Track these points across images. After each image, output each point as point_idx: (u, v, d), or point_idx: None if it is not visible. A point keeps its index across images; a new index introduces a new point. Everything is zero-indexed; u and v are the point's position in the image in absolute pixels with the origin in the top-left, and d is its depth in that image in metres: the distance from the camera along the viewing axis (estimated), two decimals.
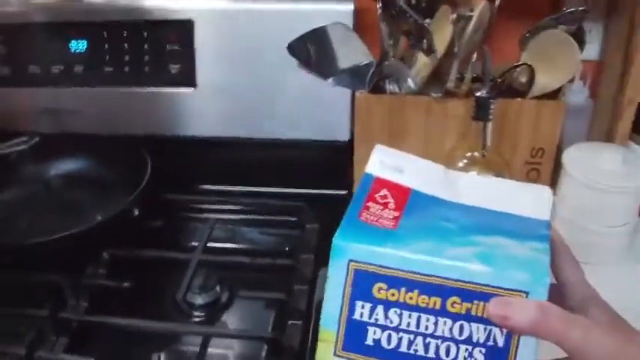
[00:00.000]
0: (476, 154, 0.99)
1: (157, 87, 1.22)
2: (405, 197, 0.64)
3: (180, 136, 1.26)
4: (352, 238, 0.59)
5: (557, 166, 1.13)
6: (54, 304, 1.01)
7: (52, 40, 1.22)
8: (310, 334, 0.95)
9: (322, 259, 1.04)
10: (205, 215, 1.21)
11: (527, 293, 0.56)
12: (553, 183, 1.15)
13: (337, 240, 0.59)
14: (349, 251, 0.58)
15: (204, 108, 1.22)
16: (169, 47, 1.19)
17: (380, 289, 0.58)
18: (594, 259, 1.10)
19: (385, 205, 0.63)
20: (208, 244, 1.11)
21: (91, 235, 1.05)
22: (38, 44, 1.23)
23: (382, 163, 0.67)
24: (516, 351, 0.56)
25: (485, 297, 0.56)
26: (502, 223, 0.62)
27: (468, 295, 0.56)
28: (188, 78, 1.20)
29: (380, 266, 0.58)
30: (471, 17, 1.07)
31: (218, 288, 1.05)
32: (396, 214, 0.62)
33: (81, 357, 0.94)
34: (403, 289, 0.58)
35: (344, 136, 1.19)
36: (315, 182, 1.22)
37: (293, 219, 1.19)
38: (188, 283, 1.03)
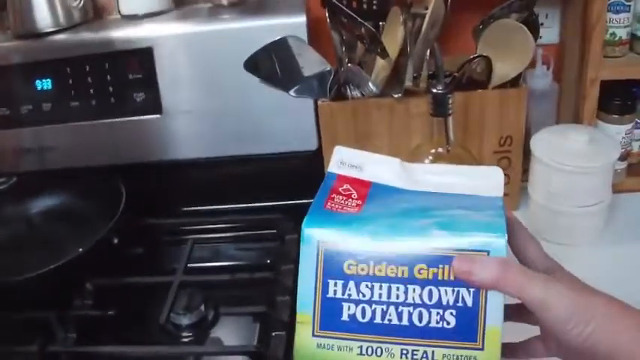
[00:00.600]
0: (440, 149, 0.99)
1: (124, 117, 1.23)
2: (366, 189, 0.67)
3: (152, 162, 1.27)
4: (319, 223, 0.62)
5: (527, 152, 1.14)
6: (43, 339, 1.02)
7: (18, 81, 1.24)
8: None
9: None
10: (185, 237, 1.21)
11: (488, 252, 0.59)
12: (525, 169, 1.17)
13: (305, 226, 0.62)
14: (318, 235, 0.61)
15: (172, 132, 1.23)
16: (132, 76, 1.20)
17: (350, 265, 0.61)
18: (570, 240, 1.12)
19: (348, 195, 0.66)
20: (190, 265, 1.12)
21: (73, 267, 1.07)
22: (5, 86, 1.24)
23: (342, 162, 0.70)
24: (485, 309, 0.58)
25: (450, 261, 0.59)
26: (458, 202, 0.65)
27: (433, 260, 0.59)
28: (153, 105, 1.21)
29: (348, 244, 0.61)
30: (424, 15, 1.08)
31: (203, 307, 1.06)
32: (359, 202, 0.65)
33: None
34: (372, 263, 0.60)
35: (312, 145, 1.19)
36: (289, 193, 1.22)
37: (272, 231, 1.20)
38: (171, 305, 1.04)
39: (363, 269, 0.61)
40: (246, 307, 1.06)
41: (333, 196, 0.66)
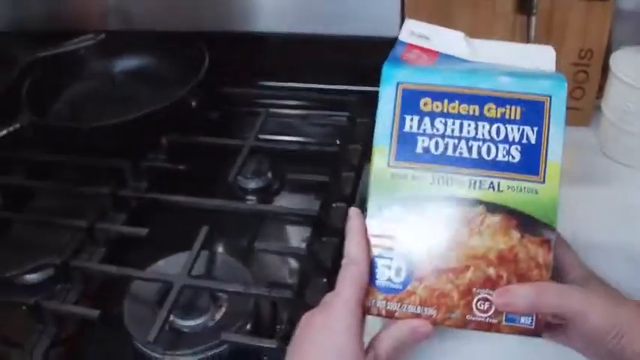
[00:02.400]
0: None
1: None
2: (433, 57, 0.72)
3: (235, 32, 1.30)
4: (400, 67, 0.69)
5: (605, 70, 1.15)
6: (115, 184, 1.09)
7: None
8: None
9: (369, 150, 1.11)
10: (258, 109, 1.24)
11: (549, 97, 0.65)
12: (601, 86, 1.17)
13: (386, 66, 0.69)
14: (397, 75, 0.68)
15: (261, 4, 1.26)
16: None
17: (425, 103, 0.67)
18: (636, 162, 1.12)
19: (419, 58, 0.72)
20: (262, 136, 1.16)
21: (150, 121, 1.12)
22: None
23: (412, 32, 0.75)
24: (547, 146, 0.65)
25: (516, 102, 0.66)
26: (519, 68, 0.70)
27: (501, 101, 0.66)
28: None
29: (424, 84, 0.68)
30: None
31: (269, 174, 1.11)
32: (431, 61, 0.71)
33: (137, 228, 1.01)
34: (446, 101, 0.67)
35: (394, 32, 1.20)
36: (364, 78, 1.24)
37: (344, 113, 1.24)
38: (239, 168, 1.08)
39: (437, 106, 0.67)
40: (311, 175, 1.10)
41: (406, 54, 0.72)
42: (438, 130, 0.67)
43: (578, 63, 1.15)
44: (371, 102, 1.11)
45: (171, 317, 0.86)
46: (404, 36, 0.75)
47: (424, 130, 0.67)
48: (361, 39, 1.24)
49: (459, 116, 0.67)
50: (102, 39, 1.30)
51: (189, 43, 1.26)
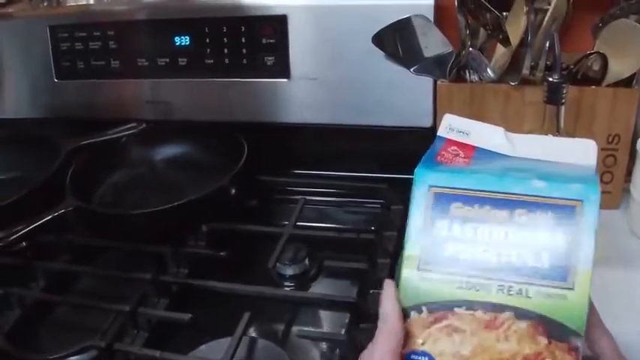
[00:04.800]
0: (550, 135, 1.04)
1: (254, 78, 1.30)
2: (471, 152, 0.74)
3: (275, 123, 1.33)
4: (432, 169, 0.70)
5: (633, 153, 1.17)
6: (156, 269, 1.12)
7: (158, 36, 1.33)
8: None
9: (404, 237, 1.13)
10: (295, 197, 1.28)
11: (581, 201, 0.65)
12: (629, 170, 1.20)
13: (419, 169, 0.70)
14: (429, 178, 0.69)
15: (297, 97, 1.30)
16: (265, 41, 1.27)
17: (457, 207, 0.68)
18: None
19: (456, 155, 0.73)
20: (298, 223, 1.19)
21: (191, 208, 1.15)
22: (145, 40, 1.35)
23: (451, 127, 0.77)
24: (577, 253, 0.64)
25: (548, 207, 0.65)
26: (556, 166, 0.71)
27: (532, 206, 0.66)
28: (282, 69, 1.28)
29: (456, 188, 0.68)
30: (547, 10, 1.13)
31: (307, 261, 1.13)
32: (466, 160, 0.73)
33: (179, 313, 1.04)
34: (477, 205, 0.67)
35: (427, 123, 1.24)
36: (399, 167, 1.27)
37: (379, 201, 1.26)
38: (278, 255, 1.10)
39: (468, 211, 0.67)
40: (348, 263, 1.11)
41: (442, 152, 0.73)
42: (467, 235, 0.67)
43: (606, 148, 1.17)
44: (404, 189, 1.15)
45: None
46: (442, 131, 0.77)
47: (454, 234, 0.68)
48: (395, 129, 1.27)
49: (489, 221, 0.67)
50: (143, 128, 1.36)
51: (229, 133, 1.30)
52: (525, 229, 0.66)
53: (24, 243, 1.19)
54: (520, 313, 0.65)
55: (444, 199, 0.68)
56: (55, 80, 1.44)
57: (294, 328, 1.03)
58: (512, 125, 1.13)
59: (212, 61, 1.31)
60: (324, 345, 1.00)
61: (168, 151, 1.40)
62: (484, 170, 0.70)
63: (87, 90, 1.44)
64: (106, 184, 1.34)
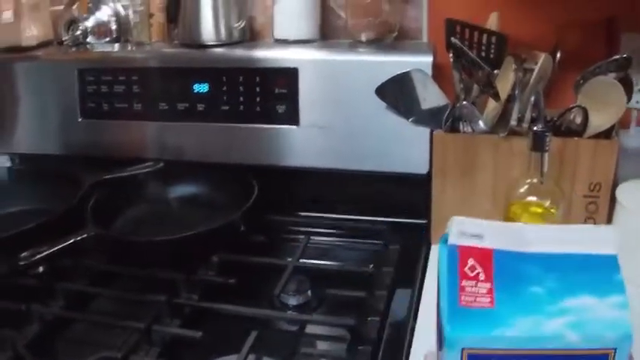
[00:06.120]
0: (534, 180, 1.11)
1: (266, 124, 1.40)
2: (489, 261, 0.75)
3: (283, 167, 1.42)
4: (461, 329, 0.70)
5: (613, 199, 1.23)
6: (170, 294, 1.19)
7: (179, 83, 1.44)
8: (385, 330, 1.09)
9: (401, 272, 1.23)
10: (300, 236, 1.36)
11: (615, 349, 0.69)
12: (610, 215, 1.27)
13: (450, 333, 0.70)
14: (462, 341, 0.70)
15: (305, 143, 1.39)
16: (277, 91, 1.37)
17: None
18: None
19: (476, 277, 0.74)
20: (302, 260, 1.27)
21: (204, 239, 1.24)
22: (166, 85, 1.45)
23: (462, 232, 0.77)
24: None
25: (581, 358, 0.69)
26: (579, 270, 0.73)
27: (564, 358, 0.69)
28: (292, 117, 1.38)
29: (490, 348, 0.70)
30: (533, 69, 1.24)
31: (309, 292, 1.20)
32: (488, 286, 0.73)
33: (191, 331, 1.11)
34: None
35: (423, 170, 1.33)
36: (396, 211, 1.37)
37: (378, 241, 1.34)
38: (283, 286, 1.19)
39: None
40: (348, 291, 1.18)
41: (463, 284, 0.73)
42: None
43: (588, 195, 1.23)
44: (401, 231, 1.24)
45: None
46: (454, 238, 0.76)
47: None
48: (393, 175, 1.35)
49: None
50: (160, 167, 1.46)
51: (240, 175, 1.39)
52: None
53: (41, 268, 1.28)
54: None
55: (478, 358, 0.70)
56: (80, 120, 1.55)
57: (298, 349, 1.09)
58: (503, 172, 1.24)
59: (228, 107, 1.42)
60: None
61: (182, 189, 1.49)
62: (514, 317, 0.70)
63: (109, 129, 1.54)
64: (123, 216, 1.42)
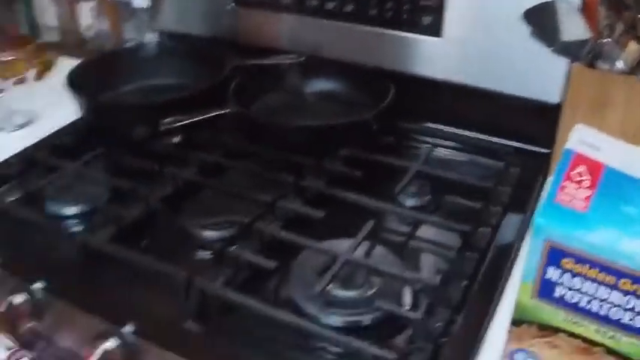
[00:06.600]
0: None
1: (410, 33, 1.43)
2: (598, 174, 0.78)
3: (419, 76, 1.45)
4: (549, 220, 0.75)
5: None
6: (298, 176, 1.27)
7: None
8: (493, 242, 1.14)
9: (517, 195, 1.27)
10: (426, 145, 1.41)
11: None
12: None
13: (538, 222, 0.75)
14: (546, 232, 0.75)
15: (444, 57, 1.41)
16: (425, 2, 1.40)
17: (568, 262, 0.75)
18: None
19: (580, 183, 0.77)
20: (425, 166, 1.31)
21: (336, 131, 1.31)
22: None
23: (581, 140, 0.82)
24: None
25: None
26: None
27: (637, 279, 0.72)
28: (436, 28, 1.40)
29: (570, 247, 0.74)
30: None
31: (428, 197, 1.25)
32: (588, 193, 0.76)
33: (314, 210, 1.19)
34: (587, 266, 0.74)
35: (555, 99, 1.33)
36: (522, 136, 1.39)
37: (499, 162, 1.36)
38: (404, 186, 1.24)
39: (578, 268, 0.75)
40: (465, 201, 1.21)
41: (565, 184, 0.77)
42: (575, 285, 0.76)
43: None
44: (523, 156, 1.25)
45: (329, 286, 1.00)
46: (573, 143, 0.81)
47: (562, 282, 0.76)
48: (526, 100, 1.36)
49: (595, 281, 0.74)
50: (302, 60, 1.52)
51: (377, 78, 1.44)
52: (627, 295, 0.73)
53: (177, 138, 1.40)
54: (610, 350, 0.78)
55: (557, 253, 0.75)
56: (230, 6, 1.63)
57: (411, 242, 1.15)
58: (633, 116, 1.25)
59: (375, 11, 1.45)
60: (434, 262, 1.13)
61: (320, 84, 1.55)
62: (601, 225, 0.73)
63: (256, 19, 1.62)
64: (261, 101, 1.50)
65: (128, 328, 1.04)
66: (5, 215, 1.27)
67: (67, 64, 1.86)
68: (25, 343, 1.24)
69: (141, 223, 1.22)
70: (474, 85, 1.41)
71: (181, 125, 1.30)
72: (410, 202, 1.25)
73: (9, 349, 1.24)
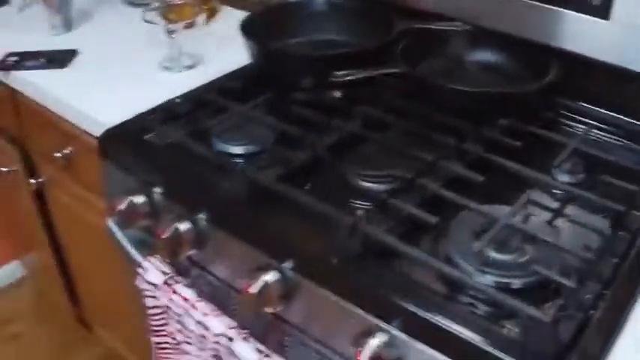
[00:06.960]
0: None
1: (578, 12, 1.43)
2: None
3: (581, 56, 1.45)
4: None
5: None
6: (458, 139, 1.31)
7: None
8: None
9: None
10: (582, 126, 1.43)
11: None
12: None
13: None
14: None
15: (610, 39, 1.40)
16: None
17: None
18: None
19: None
20: (583, 145, 1.32)
21: (499, 100, 1.36)
22: None
23: None
24: None
25: None
26: None
27: None
28: (605, 11, 1.39)
29: None
30: None
31: (582, 175, 1.27)
32: None
33: (474, 173, 1.22)
34: None
35: None
36: None
37: None
38: (560, 162, 1.27)
39: None
40: (621, 182, 1.22)
41: None
42: None
43: None
44: None
45: (485, 248, 1.05)
46: None
47: None
48: None
49: None
50: (468, 29, 1.54)
51: (541, 53, 1.45)
52: None
53: (340, 93, 1.45)
54: None
55: None
56: None
57: (562, 217, 1.16)
58: None
59: None
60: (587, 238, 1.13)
61: (482, 54, 1.57)
62: None
63: None
64: (425, 64, 1.53)
65: (288, 264, 1.11)
66: (175, 148, 1.36)
67: (229, 13, 1.96)
68: (181, 269, 1.33)
69: (307, 168, 1.29)
70: (637, 70, 1.40)
71: (349, 80, 1.36)
72: (564, 177, 1.27)
73: (165, 273, 1.32)
